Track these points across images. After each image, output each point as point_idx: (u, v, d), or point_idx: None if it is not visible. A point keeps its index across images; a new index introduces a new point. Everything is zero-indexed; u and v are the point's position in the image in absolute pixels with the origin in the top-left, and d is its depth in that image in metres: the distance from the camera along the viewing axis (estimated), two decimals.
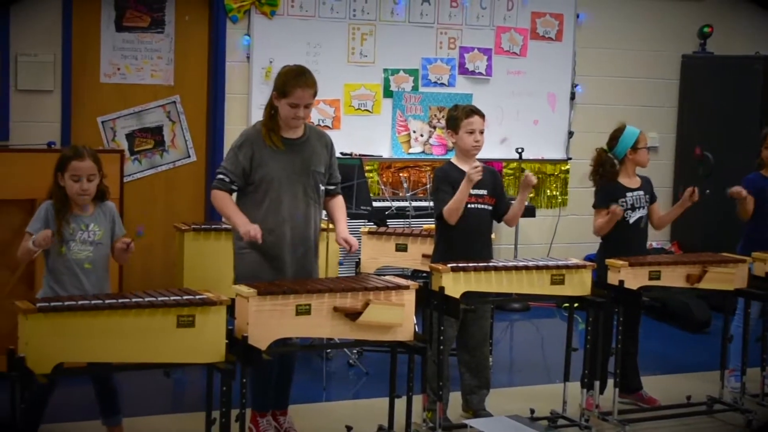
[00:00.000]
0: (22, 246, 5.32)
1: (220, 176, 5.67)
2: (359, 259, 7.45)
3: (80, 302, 4.66)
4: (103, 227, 5.40)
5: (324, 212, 5.97)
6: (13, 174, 6.74)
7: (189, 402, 6.80)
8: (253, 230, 5.46)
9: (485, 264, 5.94)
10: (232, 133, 8.82)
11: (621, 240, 6.63)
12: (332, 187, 5.90)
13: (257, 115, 8.72)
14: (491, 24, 9.86)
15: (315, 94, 5.68)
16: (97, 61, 8.69)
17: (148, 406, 6.51)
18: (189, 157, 9.05)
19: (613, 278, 6.26)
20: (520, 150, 9.62)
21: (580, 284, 6.15)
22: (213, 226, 7.19)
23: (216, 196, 5.67)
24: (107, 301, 4.69)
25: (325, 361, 7.34)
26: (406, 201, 8.58)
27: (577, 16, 10.19)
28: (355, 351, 7.63)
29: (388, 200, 8.86)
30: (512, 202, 6.33)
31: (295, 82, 5.60)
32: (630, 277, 6.24)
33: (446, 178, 6.11)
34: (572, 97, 10.24)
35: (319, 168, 5.75)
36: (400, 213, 8.55)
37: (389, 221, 8.49)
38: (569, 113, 10.26)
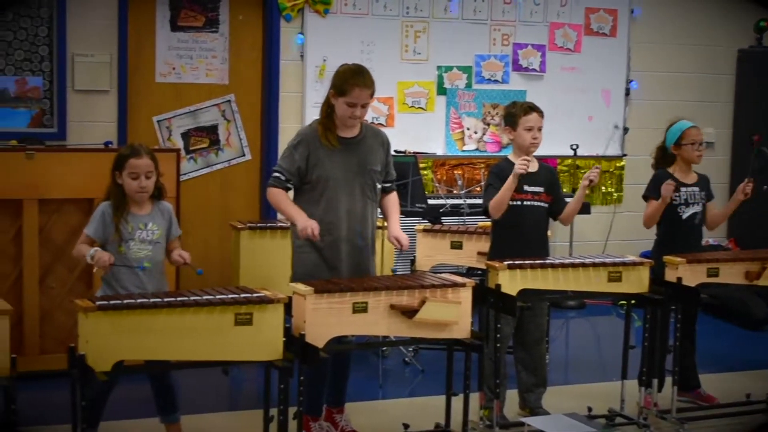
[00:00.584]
0: (79, 248, 5.36)
1: (276, 174, 5.68)
2: (414, 256, 7.44)
3: (139, 300, 4.69)
4: (161, 226, 5.43)
5: (379, 209, 5.96)
6: (70, 173, 6.80)
7: (246, 400, 6.83)
8: (311, 227, 5.46)
9: (542, 261, 5.92)
10: (287, 131, 8.87)
11: (675, 236, 6.57)
12: (388, 185, 5.90)
13: (311, 114, 8.78)
14: (545, 20, 9.82)
15: (372, 94, 5.68)
16: (153, 60, 8.76)
17: (205, 404, 6.54)
18: (244, 155, 9.09)
19: (670, 275, 6.21)
20: (574, 146, 9.58)
21: (637, 281, 6.10)
22: (269, 225, 7.22)
23: (272, 194, 5.68)
24: (166, 300, 4.73)
25: (380, 359, 7.34)
26: (461, 198, 8.56)
27: (632, 11, 10.12)
28: (410, 349, 7.63)
29: (442, 198, 8.84)
30: (568, 200, 6.30)
31: (353, 81, 5.59)
32: (688, 274, 6.19)
33: (500, 174, 6.08)
34: (627, 93, 10.17)
35: (376, 166, 5.75)
36: (455, 210, 8.53)
37: (444, 219, 8.47)
38: (624, 109, 10.19)
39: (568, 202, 6.29)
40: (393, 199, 5.95)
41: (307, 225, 5.48)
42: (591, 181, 6.05)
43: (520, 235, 6.08)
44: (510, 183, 5.91)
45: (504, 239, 6.13)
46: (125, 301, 4.67)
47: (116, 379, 5.07)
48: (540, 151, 6.26)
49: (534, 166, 6.14)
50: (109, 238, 5.32)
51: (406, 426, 5.90)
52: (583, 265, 6.00)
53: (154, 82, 8.78)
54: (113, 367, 4.63)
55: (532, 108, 6.17)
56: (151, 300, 4.71)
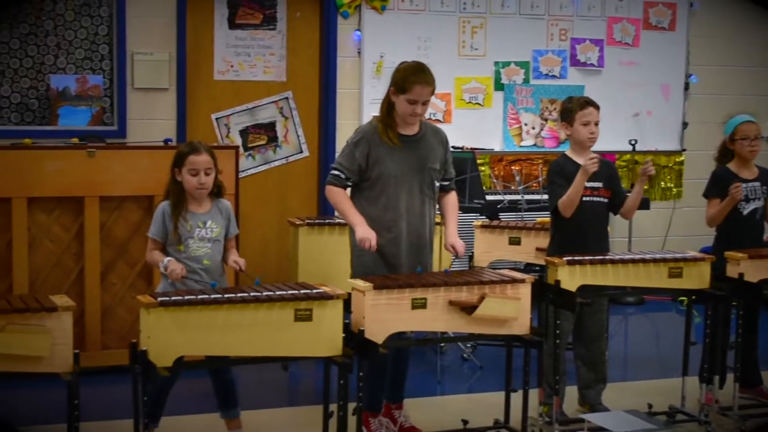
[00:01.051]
0: (152, 255, 5.42)
1: (336, 172, 5.69)
2: (472, 253, 7.43)
3: (200, 297, 4.72)
4: (220, 224, 5.46)
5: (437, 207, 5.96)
6: (131, 171, 6.86)
7: (305, 396, 6.86)
8: (369, 240, 5.47)
9: (601, 257, 5.88)
10: (344, 128, 8.89)
11: (735, 232, 6.50)
12: (446, 183, 5.88)
13: (369, 110, 8.80)
14: (603, 14, 9.77)
15: (433, 92, 5.67)
16: (211, 58, 8.81)
17: (264, 400, 6.57)
18: (302, 152, 9.12)
19: (732, 271, 6.15)
20: (633, 141, 9.52)
21: (698, 277, 6.05)
22: (326, 221, 7.23)
23: (332, 192, 5.69)
24: (226, 296, 4.75)
25: (438, 355, 7.34)
26: (519, 194, 8.54)
27: (691, 5, 10.04)
28: (468, 345, 7.62)
29: (500, 193, 8.82)
30: (628, 194, 6.26)
31: (414, 78, 5.58)
32: (750, 269, 6.11)
33: (561, 171, 6.05)
34: (686, 87, 10.09)
35: (435, 164, 5.74)
36: (513, 206, 8.50)
37: (501, 214, 8.45)
38: (683, 104, 10.11)
39: (627, 197, 6.25)
40: (452, 202, 5.93)
41: (366, 237, 5.48)
42: (649, 174, 6.02)
43: (580, 231, 6.04)
44: (579, 181, 5.87)
45: (564, 235, 6.09)
46: (186, 297, 4.70)
47: (177, 374, 5.11)
48: (598, 146, 6.22)
49: None
50: (169, 236, 5.36)
51: (465, 422, 5.89)
52: (644, 261, 5.95)
53: (213, 80, 8.84)
54: (174, 362, 4.67)
55: (588, 102, 6.13)
56: (212, 296, 4.74)
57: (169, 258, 5.30)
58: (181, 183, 5.40)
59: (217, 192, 5.51)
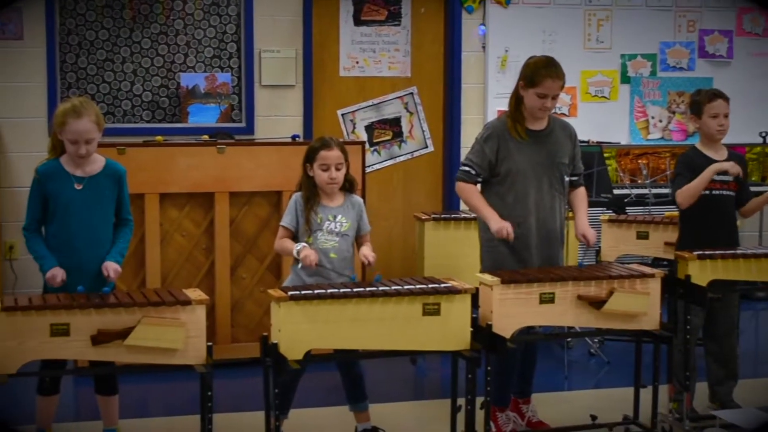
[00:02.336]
0: (283, 243, 5.46)
1: (465, 168, 5.68)
2: (599, 247, 7.37)
3: (330, 291, 4.78)
4: (351, 219, 5.50)
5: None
6: (259, 167, 6.96)
7: (432, 390, 6.88)
8: (506, 229, 5.46)
9: (733, 251, 5.79)
10: (469, 123, 8.90)
11: None
12: (575, 178, 5.84)
13: (493, 105, 8.80)
14: (732, 5, 9.61)
15: (563, 86, 5.63)
16: (337, 55, 8.89)
17: (392, 393, 6.60)
18: (426, 147, 9.15)
19: None
20: (764, 134, 9.34)
21: None
22: (452, 215, 7.24)
23: (462, 189, 5.69)
24: (355, 290, 4.80)
25: (566, 350, 7.30)
26: (646, 188, 8.44)
27: None
28: (596, 340, 7.56)
29: (626, 187, 8.73)
30: (753, 194, 6.14)
31: (545, 72, 5.56)
32: None
33: (689, 164, 5.96)
34: None
35: (564, 159, 5.71)
36: (640, 200, 8.41)
37: (628, 209, 8.37)
38: None
39: (754, 194, 6.13)
40: (581, 194, 5.89)
41: (502, 227, 5.47)
42: None
43: (709, 225, 5.95)
44: (706, 176, 5.78)
45: (693, 229, 6.01)
46: (316, 291, 4.76)
47: (305, 367, 5.17)
48: (728, 139, 6.12)
49: (723, 154, 6.02)
50: (300, 227, 5.43)
51: (593, 417, 5.86)
52: None
53: (338, 76, 8.92)
54: (304, 355, 4.73)
55: (716, 94, 6.04)
56: (341, 290, 4.79)
57: (303, 244, 5.35)
58: (312, 178, 5.46)
59: (348, 187, 5.55)
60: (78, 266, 5.08)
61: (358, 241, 5.55)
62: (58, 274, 4.99)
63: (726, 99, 6.03)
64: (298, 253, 5.29)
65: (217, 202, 6.90)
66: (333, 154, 5.42)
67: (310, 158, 5.46)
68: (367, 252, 5.46)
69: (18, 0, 8.05)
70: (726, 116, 6.01)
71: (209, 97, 8.57)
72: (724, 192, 6.00)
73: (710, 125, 5.99)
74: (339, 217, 5.46)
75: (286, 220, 5.46)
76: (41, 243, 5.12)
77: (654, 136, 9.53)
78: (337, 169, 5.43)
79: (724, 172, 5.88)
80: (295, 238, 5.44)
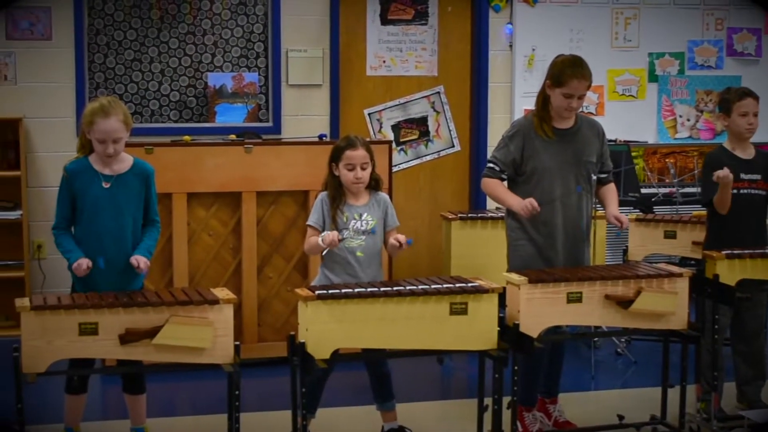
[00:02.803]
0: (310, 241, 5.47)
1: (491, 165, 5.69)
2: (627, 246, 7.35)
3: (357, 290, 4.79)
4: (376, 217, 5.50)
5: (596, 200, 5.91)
6: (286, 166, 6.98)
7: (459, 389, 6.88)
8: (529, 203, 5.43)
9: (762, 251, 5.77)
10: (496, 122, 8.89)
11: None
12: (604, 176, 5.83)
13: (520, 104, 8.79)
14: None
15: (590, 86, 5.61)
16: (364, 54, 8.90)
17: (419, 392, 6.61)
18: (453, 146, 9.14)
19: None
20: None
21: None
22: (479, 215, 7.24)
23: (487, 183, 5.69)
24: (382, 289, 4.81)
25: (592, 350, 7.28)
26: (673, 187, 8.41)
27: None
28: (623, 340, 7.54)
29: (654, 186, 8.70)
30: None
31: (571, 72, 5.54)
32: None
33: (717, 164, 5.93)
34: None
35: (591, 158, 5.69)
36: (667, 199, 8.38)
37: (656, 208, 8.34)
38: None
39: None
40: (611, 188, 5.87)
41: (524, 204, 5.45)
42: None
43: (737, 224, 5.93)
44: (724, 192, 5.76)
45: (721, 228, 5.98)
46: (343, 291, 4.77)
47: (333, 366, 5.18)
48: (756, 138, 6.09)
49: (750, 153, 6.01)
50: (326, 226, 5.44)
51: (620, 417, 5.84)
52: None
53: (365, 76, 8.93)
54: (332, 354, 4.74)
55: (746, 93, 6.01)
56: (368, 289, 4.80)
57: (324, 233, 5.36)
58: (338, 177, 5.47)
59: (375, 185, 5.56)
60: (105, 263, 5.10)
61: (387, 237, 5.55)
62: (83, 262, 5.02)
63: (756, 98, 6.01)
64: (323, 240, 5.29)
65: (244, 202, 6.92)
66: (359, 154, 5.43)
67: (335, 158, 5.47)
68: (396, 236, 5.43)
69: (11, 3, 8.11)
70: (755, 115, 5.99)
71: (236, 96, 8.59)
72: (753, 191, 5.98)
73: (739, 124, 5.96)
74: (365, 215, 5.46)
75: (313, 218, 5.47)
76: (70, 239, 5.15)
77: (682, 135, 9.49)
78: (363, 169, 5.44)
79: (751, 170, 5.87)
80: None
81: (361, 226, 5.46)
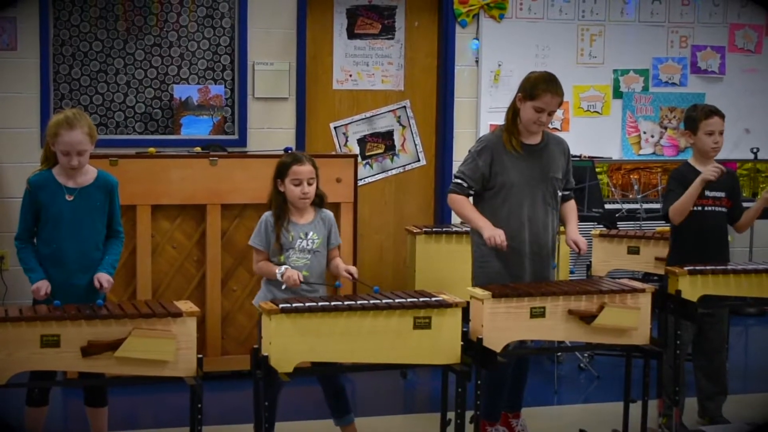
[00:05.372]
0: (260, 266, 5.48)
1: (458, 181, 5.69)
2: (590, 262, 7.39)
3: (320, 304, 4.78)
4: (321, 235, 5.49)
5: None
6: (251, 179, 6.95)
7: (422, 403, 6.89)
8: (498, 236, 5.46)
9: (723, 267, 5.81)
10: (462, 136, 8.92)
11: None
12: (566, 193, 5.86)
13: (486, 119, 8.82)
14: (724, 21, 9.63)
15: (560, 104, 5.65)
16: (330, 68, 8.91)
17: (382, 407, 6.61)
18: (419, 161, 9.16)
19: None
20: (755, 150, 9.36)
21: None
22: (444, 229, 7.25)
23: (454, 200, 5.69)
24: (346, 303, 4.80)
25: (556, 365, 7.30)
26: (637, 203, 8.46)
27: None
28: (586, 354, 7.57)
29: (618, 202, 8.75)
30: (747, 205, 6.16)
31: (545, 86, 5.56)
32: None
33: (681, 179, 5.97)
34: None
35: (557, 174, 5.72)
36: (631, 215, 8.43)
37: (619, 223, 8.39)
38: None
39: (746, 209, 6.15)
40: (571, 206, 5.91)
41: (494, 234, 5.46)
42: None
43: (700, 241, 5.97)
44: (695, 188, 5.80)
45: (684, 245, 6.02)
46: (307, 304, 4.76)
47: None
48: (719, 155, 6.13)
49: None
50: (270, 247, 5.43)
51: None
52: (766, 271, 5.86)
53: (332, 89, 8.94)
54: (295, 368, 4.73)
55: (713, 111, 6.05)
56: (332, 303, 4.79)
57: (285, 266, 5.36)
58: (283, 194, 5.46)
59: (319, 202, 5.56)
60: (67, 277, 5.10)
61: (329, 255, 5.55)
62: (42, 287, 5.02)
63: (722, 116, 6.04)
64: (282, 275, 5.29)
65: (209, 214, 6.91)
66: (305, 169, 5.43)
67: (281, 173, 5.47)
68: (347, 267, 5.45)
69: (12, 5, 8.05)
70: (721, 134, 6.02)
71: (202, 109, 8.58)
72: (716, 209, 6.02)
73: (705, 142, 5.99)
74: (311, 234, 5.46)
75: (256, 240, 5.47)
76: (32, 255, 5.14)
77: (646, 151, 9.55)
78: (309, 184, 5.44)
79: (716, 188, 5.90)
80: (268, 259, 5.44)
81: (307, 245, 5.45)
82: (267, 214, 5.49)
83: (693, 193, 5.82)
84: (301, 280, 5.30)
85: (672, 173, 6.16)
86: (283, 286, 5.34)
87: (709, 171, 5.77)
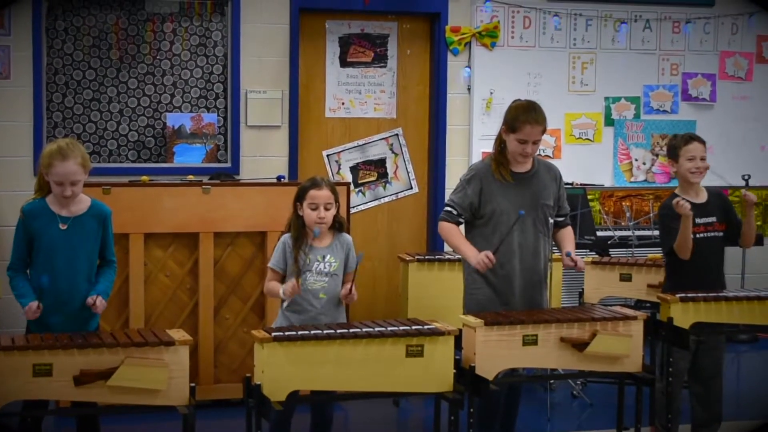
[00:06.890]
0: (270, 286, 5.49)
1: (448, 209, 5.72)
2: (582, 289, 7.40)
3: (313, 332, 4.79)
4: (339, 259, 5.51)
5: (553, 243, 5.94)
6: (244, 207, 6.96)
7: (413, 431, 6.87)
8: (484, 257, 5.47)
9: (715, 294, 5.83)
10: (454, 164, 8.93)
11: None
12: (561, 219, 5.87)
13: (478, 147, 8.85)
14: (715, 49, 9.67)
15: (544, 131, 5.67)
16: (323, 96, 8.93)
17: None
18: (411, 188, 9.18)
19: None
20: (746, 177, 9.39)
21: None
22: (437, 257, 7.27)
23: (444, 228, 5.72)
24: (339, 331, 4.82)
25: (548, 392, 7.30)
26: (629, 230, 8.48)
27: None
28: (579, 382, 7.57)
29: (610, 229, 8.76)
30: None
31: (524, 118, 5.59)
32: None
33: (672, 212, 5.95)
34: None
35: (548, 201, 5.74)
36: (623, 242, 8.44)
37: (612, 251, 8.40)
38: None
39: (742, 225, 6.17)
40: (568, 231, 5.91)
41: (480, 258, 5.48)
42: (751, 201, 5.96)
43: (695, 268, 5.97)
44: (684, 225, 5.80)
45: (680, 273, 6.02)
46: (299, 333, 4.78)
47: (293, 408, 5.16)
48: (711, 182, 6.15)
49: (703, 197, 6.07)
50: (288, 269, 5.44)
51: None
52: (758, 298, 5.88)
53: (324, 117, 8.96)
54: (288, 396, 4.73)
55: (692, 137, 6.10)
56: (325, 332, 4.81)
57: (284, 285, 5.36)
58: (302, 217, 5.48)
59: (338, 227, 5.57)
60: (60, 306, 5.10)
61: (344, 279, 5.56)
62: (32, 305, 5.03)
63: (702, 142, 6.07)
64: (284, 292, 5.31)
65: (201, 242, 6.91)
66: (322, 194, 5.44)
67: (300, 197, 5.49)
68: (344, 291, 5.45)
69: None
70: (703, 159, 6.04)
71: (195, 137, 8.59)
72: (709, 234, 6.03)
73: (687, 168, 6.02)
74: (328, 257, 5.47)
75: (274, 261, 5.48)
76: (25, 282, 5.14)
77: (638, 178, 9.58)
78: (326, 209, 5.45)
79: (705, 214, 5.92)
80: (284, 280, 5.44)
81: (324, 267, 5.46)
82: (286, 236, 5.51)
83: (685, 231, 5.82)
84: (299, 285, 5.31)
85: (661, 209, 6.13)
86: (285, 304, 5.35)
87: (679, 209, 5.76)
